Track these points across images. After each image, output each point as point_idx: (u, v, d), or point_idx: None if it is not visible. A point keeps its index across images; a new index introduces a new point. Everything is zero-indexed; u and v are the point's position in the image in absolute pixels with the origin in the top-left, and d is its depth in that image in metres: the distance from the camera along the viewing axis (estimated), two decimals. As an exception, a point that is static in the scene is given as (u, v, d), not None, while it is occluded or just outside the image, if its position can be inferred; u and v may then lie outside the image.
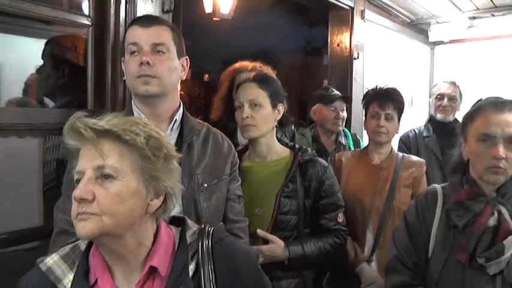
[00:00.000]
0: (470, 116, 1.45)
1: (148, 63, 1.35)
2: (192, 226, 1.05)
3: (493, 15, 4.25)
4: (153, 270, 0.94)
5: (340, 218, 1.82)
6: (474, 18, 4.30)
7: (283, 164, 1.78)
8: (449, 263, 1.37)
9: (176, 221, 1.07)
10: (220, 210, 1.51)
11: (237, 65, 2.25)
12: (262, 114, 1.72)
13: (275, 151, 1.80)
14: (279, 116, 1.79)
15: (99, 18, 1.78)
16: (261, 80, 1.77)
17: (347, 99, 2.80)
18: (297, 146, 1.85)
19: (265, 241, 1.69)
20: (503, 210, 1.35)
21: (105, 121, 0.92)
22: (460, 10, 4.12)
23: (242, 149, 1.88)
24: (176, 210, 1.24)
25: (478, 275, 1.33)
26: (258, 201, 1.74)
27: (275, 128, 1.80)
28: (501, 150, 1.32)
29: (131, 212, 0.91)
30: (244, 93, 1.74)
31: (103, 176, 0.90)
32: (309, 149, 1.85)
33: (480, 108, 1.42)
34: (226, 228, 1.49)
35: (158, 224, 1.00)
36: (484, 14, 4.20)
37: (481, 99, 1.47)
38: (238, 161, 1.62)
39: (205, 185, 1.44)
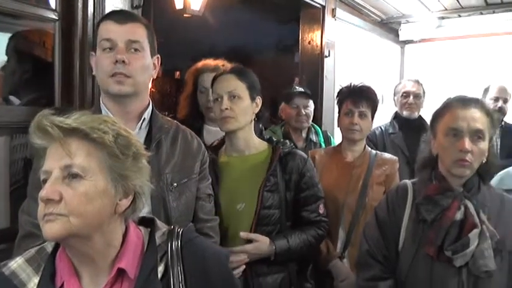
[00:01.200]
0: (439, 113, 1.51)
1: (123, 61, 1.32)
2: (162, 227, 1.03)
3: (459, 16, 4.37)
4: (121, 273, 0.92)
5: (321, 209, 1.81)
6: (442, 18, 4.42)
7: (263, 158, 1.76)
8: (418, 256, 1.41)
9: (145, 222, 1.05)
10: (190, 210, 1.49)
11: (200, 64, 2.24)
12: (241, 107, 1.69)
13: (253, 145, 1.77)
14: (257, 109, 1.76)
15: (67, 13, 1.72)
16: (239, 72, 1.74)
17: (308, 95, 2.76)
18: (274, 139, 1.83)
19: (248, 240, 1.66)
20: (469, 205, 1.40)
21: (73, 119, 0.89)
22: (429, 10, 4.21)
23: (217, 144, 1.84)
24: (145, 210, 1.21)
25: (445, 267, 1.37)
26: (239, 196, 1.71)
27: (253, 121, 1.77)
28: (467, 143, 1.38)
29: (99, 212, 0.89)
30: (222, 85, 1.71)
31: (70, 176, 0.88)
32: (288, 142, 1.83)
33: (448, 105, 1.49)
34: (196, 227, 1.47)
35: (127, 225, 0.98)
36: (451, 14, 4.32)
37: (449, 98, 1.52)
38: (208, 160, 1.59)
39: (175, 184, 1.42)
